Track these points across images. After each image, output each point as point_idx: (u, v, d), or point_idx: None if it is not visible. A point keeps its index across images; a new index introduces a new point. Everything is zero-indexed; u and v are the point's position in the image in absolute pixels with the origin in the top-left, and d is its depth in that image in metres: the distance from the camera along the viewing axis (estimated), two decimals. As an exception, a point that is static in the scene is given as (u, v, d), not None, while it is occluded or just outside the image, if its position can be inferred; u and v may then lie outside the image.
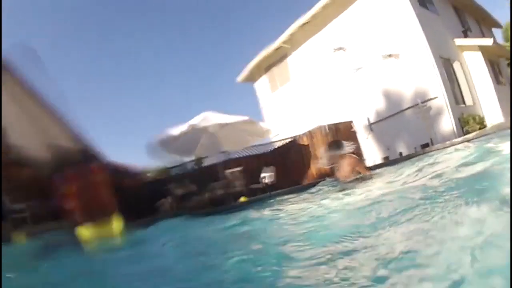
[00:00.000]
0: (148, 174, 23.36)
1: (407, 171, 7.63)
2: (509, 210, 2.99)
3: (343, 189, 7.49)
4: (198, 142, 17.78)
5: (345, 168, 8.01)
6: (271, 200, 11.04)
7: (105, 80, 51.49)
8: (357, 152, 9.20)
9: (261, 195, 14.86)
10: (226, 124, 16.07)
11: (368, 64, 18.31)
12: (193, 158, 20.57)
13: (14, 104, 18.76)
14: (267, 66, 25.21)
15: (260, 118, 25.80)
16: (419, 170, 7.07)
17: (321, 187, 10.00)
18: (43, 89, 20.25)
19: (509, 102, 16.25)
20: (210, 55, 54.06)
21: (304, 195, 10.11)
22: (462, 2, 21.25)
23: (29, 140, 15.29)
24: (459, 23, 20.91)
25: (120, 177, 19.26)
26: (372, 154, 18.06)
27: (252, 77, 26.81)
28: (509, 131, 12.12)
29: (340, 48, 19.13)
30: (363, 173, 7.90)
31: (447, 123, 16.17)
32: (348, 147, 8.57)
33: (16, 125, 18.33)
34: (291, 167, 18.30)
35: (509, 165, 4.44)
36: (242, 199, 15.16)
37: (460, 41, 18.62)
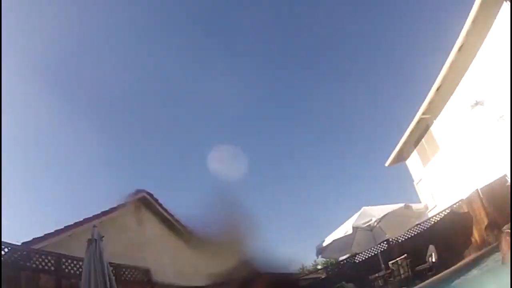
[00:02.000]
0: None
1: None
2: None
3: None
4: (354, 239, 18.05)
5: (503, 246, 7.54)
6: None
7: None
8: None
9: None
10: (385, 216, 16.37)
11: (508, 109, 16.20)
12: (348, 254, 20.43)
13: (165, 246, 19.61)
14: (414, 141, 24.68)
15: (414, 194, 25.49)
16: None
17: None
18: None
19: None
20: (354, 147, 54.05)
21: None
22: None
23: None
24: None
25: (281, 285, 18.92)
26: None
27: (402, 157, 26.65)
28: None
29: (477, 103, 17.73)
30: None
31: None
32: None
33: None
34: (454, 240, 16.86)
35: None
36: None
37: None
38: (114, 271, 11.72)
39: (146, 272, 14.41)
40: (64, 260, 11.48)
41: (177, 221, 20.86)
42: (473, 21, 16.31)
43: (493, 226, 7.45)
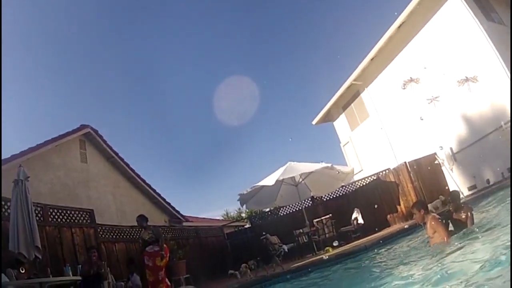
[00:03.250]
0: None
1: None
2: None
3: (433, 256, 6.85)
4: (278, 192, 18.16)
5: (428, 229, 7.34)
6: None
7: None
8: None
9: (352, 246, 14.04)
10: (310, 173, 16.38)
11: (443, 92, 17.19)
12: (272, 207, 20.78)
13: (108, 184, 19.66)
14: (344, 104, 24.92)
15: (341, 155, 25.93)
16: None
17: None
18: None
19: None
20: (286, 103, 53.88)
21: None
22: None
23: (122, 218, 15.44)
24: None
25: (204, 235, 19.61)
26: (459, 184, 16.93)
27: (331, 117, 26.73)
28: None
29: (411, 80, 18.29)
30: (443, 239, 7.10)
31: (533, 140, 14.55)
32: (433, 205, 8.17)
33: (109, 205, 19.08)
34: (379, 206, 17.69)
35: None
36: (329, 250, 14.86)
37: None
38: (41, 212, 11.20)
39: (88, 213, 13.50)
40: (-9, 200, 10.47)
41: (121, 158, 20.73)
42: (419, 3, 16.50)
43: (420, 205, 7.55)
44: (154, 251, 10.57)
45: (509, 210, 7.93)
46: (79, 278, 9.62)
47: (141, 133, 48.47)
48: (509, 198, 9.41)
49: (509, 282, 2.20)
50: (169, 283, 11.53)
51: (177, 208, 24.15)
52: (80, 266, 10.67)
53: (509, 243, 4.97)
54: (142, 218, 11.26)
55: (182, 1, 37.60)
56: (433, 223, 7.19)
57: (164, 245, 10.98)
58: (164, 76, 44.08)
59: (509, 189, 10.94)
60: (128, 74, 41.66)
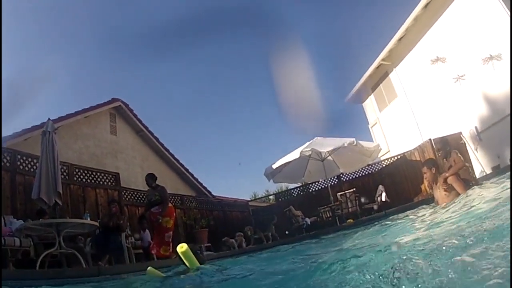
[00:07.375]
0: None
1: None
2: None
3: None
4: (306, 168, 18.14)
5: (440, 189, 7.20)
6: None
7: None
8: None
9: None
10: (336, 148, 16.14)
11: (469, 71, 16.77)
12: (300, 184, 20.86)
13: (136, 156, 20.05)
14: (373, 85, 24.57)
15: (369, 137, 25.50)
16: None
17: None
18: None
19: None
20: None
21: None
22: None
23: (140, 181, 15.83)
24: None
25: (229, 209, 19.90)
26: (483, 164, 16.64)
27: (360, 98, 26.39)
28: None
29: (438, 59, 17.97)
30: (460, 191, 6.94)
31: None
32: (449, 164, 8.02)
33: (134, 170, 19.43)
34: (404, 185, 17.77)
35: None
36: (351, 221, 15.13)
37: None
38: (66, 171, 11.71)
39: (114, 176, 14.13)
40: (19, 156, 10.98)
41: (150, 132, 21.29)
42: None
43: (431, 163, 7.25)
44: (157, 212, 10.62)
45: None
46: (96, 223, 9.82)
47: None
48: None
49: (509, 282, 2.23)
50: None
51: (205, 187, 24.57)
52: (99, 220, 10.94)
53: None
54: (150, 177, 11.22)
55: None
56: (450, 178, 7.03)
57: (170, 205, 11.06)
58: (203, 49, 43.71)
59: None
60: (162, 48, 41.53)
